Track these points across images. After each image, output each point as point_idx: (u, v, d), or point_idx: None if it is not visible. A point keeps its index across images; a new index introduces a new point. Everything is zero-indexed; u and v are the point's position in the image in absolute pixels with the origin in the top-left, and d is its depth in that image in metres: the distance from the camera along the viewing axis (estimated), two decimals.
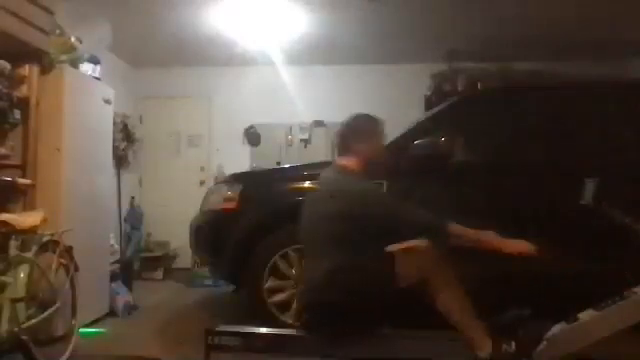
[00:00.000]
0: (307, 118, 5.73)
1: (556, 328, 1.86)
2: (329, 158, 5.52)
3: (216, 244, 3.23)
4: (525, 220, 3.02)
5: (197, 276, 4.90)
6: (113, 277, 3.72)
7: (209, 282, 4.82)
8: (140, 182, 5.90)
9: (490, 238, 2.04)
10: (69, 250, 2.70)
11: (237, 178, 3.45)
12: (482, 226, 2.07)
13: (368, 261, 2.00)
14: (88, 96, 3.38)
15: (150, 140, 5.86)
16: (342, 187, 2.10)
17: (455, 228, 2.01)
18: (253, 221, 3.12)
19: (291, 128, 5.80)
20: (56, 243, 2.60)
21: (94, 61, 3.51)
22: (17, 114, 2.83)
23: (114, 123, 4.01)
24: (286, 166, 4.16)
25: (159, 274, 5.31)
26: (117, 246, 4.24)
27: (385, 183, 2.93)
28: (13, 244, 2.27)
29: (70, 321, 2.75)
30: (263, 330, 2.18)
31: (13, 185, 2.76)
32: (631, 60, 5.07)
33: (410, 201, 2.03)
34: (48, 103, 2.99)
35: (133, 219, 5.54)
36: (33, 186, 2.88)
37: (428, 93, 5.28)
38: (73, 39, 3.28)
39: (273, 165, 5.20)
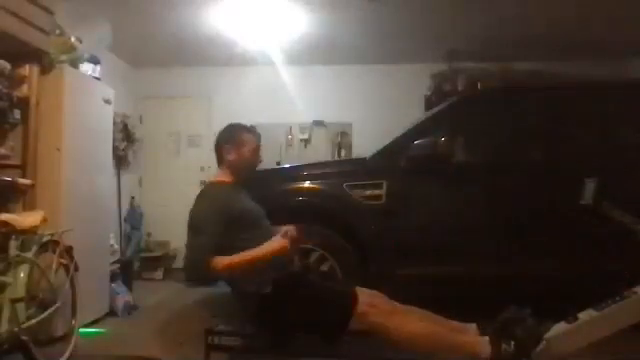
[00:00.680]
0: (307, 118, 5.73)
1: (556, 328, 1.86)
2: (329, 158, 5.55)
3: None
4: (525, 220, 3.03)
5: None
6: (113, 277, 3.72)
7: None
8: (140, 182, 5.89)
9: (250, 253, 1.98)
10: (69, 250, 2.70)
11: None
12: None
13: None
14: (88, 96, 3.38)
15: (150, 140, 5.86)
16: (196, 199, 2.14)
17: (219, 261, 1.94)
18: None
19: (291, 128, 5.80)
20: (56, 243, 2.60)
21: (94, 61, 3.51)
22: (17, 114, 2.83)
23: (114, 123, 4.01)
24: (286, 166, 4.17)
25: (159, 274, 5.31)
26: (117, 246, 4.24)
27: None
28: (13, 244, 2.27)
29: (70, 321, 2.75)
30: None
31: (13, 185, 2.76)
32: (631, 60, 5.06)
33: (203, 235, 1.97)
34: (48, 103, 2.99)
35: (133, 219, 5.54)
36: (33, 186, 2.88)
37: (428, 93, 5.28)
38: (73, 39, 3.29)
39: (273, 165, 5.20)
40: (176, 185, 5.80)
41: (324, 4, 4.13)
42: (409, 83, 5.48)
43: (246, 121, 6.15)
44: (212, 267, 1.93)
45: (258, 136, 2.33)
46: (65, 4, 3.38)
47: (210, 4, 4.08)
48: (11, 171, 2.80)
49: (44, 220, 2.55)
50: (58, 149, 3.01)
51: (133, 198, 5.67)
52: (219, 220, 2.02)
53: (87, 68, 3.44)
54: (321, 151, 5.69)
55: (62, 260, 2.64)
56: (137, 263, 5.20)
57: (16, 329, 2.12)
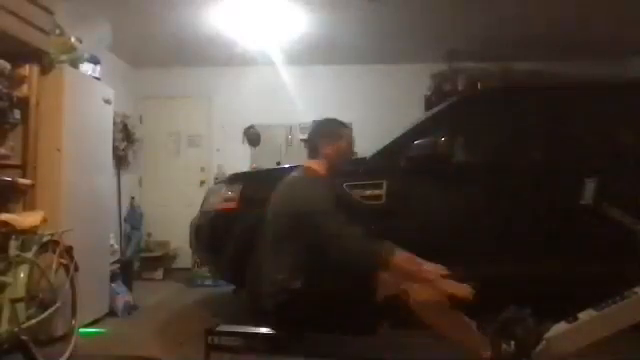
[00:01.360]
0: (307, 118, 5.72)
1: (556, 328, 1.86)
2: None
3: (216, 244, 3.23)
4: (525, 220, 3.02)
5: (197, 276, 4.91)
6: (113, 277, 3.72)
7: (209, 282, 4.82)
8: (140, 182, 5.90)
9: (432, 277, 1.90)
10: (69, 250, 2.70)
11: (237, 178, 3.44)
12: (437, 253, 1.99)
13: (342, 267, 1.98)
14: (88, 96, 3.38)
15: (150, 140, 5.86)
16: (296, 190, 2.12)
17: (398, 260, 1.91)
18: (253, 221, 3.11)
19: (291, 128, 5.80)
20: (56, 243, 2.60)
21: (94, 61, 3.51)
22: (17, 114, 2.83)
23: (114, 123, 4.01)
24: (286, 166, 4.16)
25: (159, 274, 5.31)
26: (117, 246, 4.24)
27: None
28: (13, 244, 2.27)
29: (70, 321, 2.74)
30: (263, 330, 2.18)
31: (13, 185, 2.76)
32: (631, 60, 5.07)
33: (354, 225, 1.97)
34: (48, 103, 2.99)
35: (133, 219, 5.54)
36: (33, 186, 2.88)
37: (428, 93, 5.28)
38: (73, 39, 3.29)
39: (273, 165, 5.20)
40: (176, 185, 5.81)
41: (324, 4, 4.13)
42: (409, 83, 5.49)
43: (246, 121, 6.23)
44: (386, 259, 1.90)
45: (351, 131, 2.36)
46: (65, 4, 3.38)
47: (210, 4, 4.08)
48: (11, 171, 2.80)
49: (44, 220, 2.55)
50: (58, 149, 3.01)
51: (133, 198, 5.68)
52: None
53: (87, 68, 3.44)
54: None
55: (62, 260, 2.64)
56: (137, 263, 5.20)
57: (16, 329, 2.12)
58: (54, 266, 2.54)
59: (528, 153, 3.29)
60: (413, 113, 4.54)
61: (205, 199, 3.53)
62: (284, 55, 5.20)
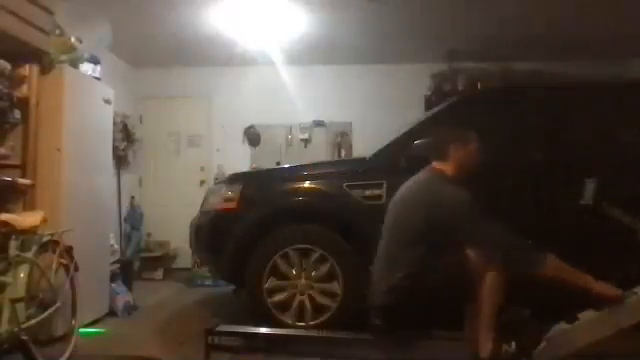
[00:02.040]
0: (307, 118, 5.74)
1: (556, 328, 1.86)
2: (329, 158, 5.55)
3: (216, 244, 3.23)
4: (524, 220, 3.02)
5: (197, 276, 4.91)
6: (113, 277, 3.72)
7: (209, 282, 4.82)
8: (140, 182, 5.90)
9: (584, 278, 1.96)
10: (69, 250, 2.70)
11: (237, 178, 3.44)
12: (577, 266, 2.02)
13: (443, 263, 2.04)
14: (88, 96, 3.38)
15: (150, 140, 5.86)
16: (433, 189, 2.16)
17: (553, 264, 1.97)
18: (253, 221, 3.12)
19: (291, 128, 5.80)
20: (56, 243, 2.60)
21: (94, 61, 3.51)
22: (17, 114, 2.83)
23: (114, 123, 4.01)
24: (286, 166, 4.16)
25: (159, 274, 5.31)
26: (117, 246, 4.24)
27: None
28: (13, 244, 2.26)
29: (70, 321, 2.74)
30: (263, 330, 2.18)
31: (13, 185, 2.76)
32: (631, 60, 5.07)
33: (497, 222, 2.00)
34: (48, 103, 2.98)
35: (133, 219, 5.54)
36: (33, 186, 2.88)
37: (428, 93, 5.28)
38: (73, 39, 3.28)
39: (273, 165, 5.20)
40: (176, 185, 5.81)
41: (324, 4, 4.13)
42: (409, 83, 5.49)
43: (246, 121, 6.23)
44: (543, 263, 1.95)
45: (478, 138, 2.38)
46: (65, 4, 3.38)
47: (210, 4, 4.08)
48: (11, 171, 2.80)
49: (44, 220, 2.55)
50: (58, 149, 3.01)
51: (133, 198, 5.68)
52: None
53: (87, 68, 3.44)
54: (321, 151, 5.69)
55: (62, 260, 2.63)
56: (137, 263, 5.20)
57: (16, 329, 2.12)
58: (54, 266, 2.54)
59: (528, 153, 3.29)
60: (413, 113, 4.54)
61: (205, 199, 3.53)
62: (284, 55, 5.20)
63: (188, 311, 3.97)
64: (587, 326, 1.84)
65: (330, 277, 3.02)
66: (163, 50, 5.24)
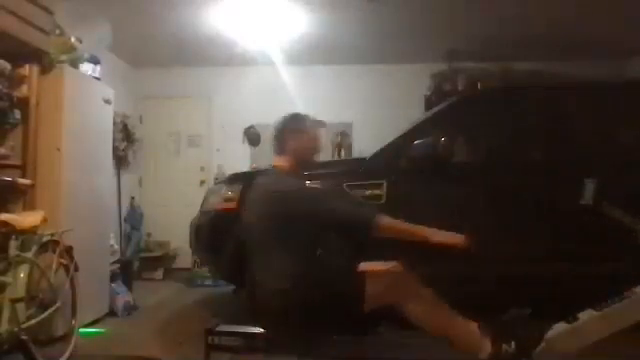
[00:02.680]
0: None
1: (556, 328, 1.86)
2: (329, 158, 5.54)
3: (216, 244, 3.22)
4: (524, 220, 3.02)
5: (197, 276, 4.91)
6: (113, 277, 3.72)
7: (209, 282, 4.82)
8: (140, 182, 5.90)
9: (422, 230, 2.04)
10: (69, 250, 2.70)
11: (237, 178, 3.44)
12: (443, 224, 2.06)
13: (335, 276, 2.02)
14: (88, 96, 3.38)
15: (150, 140, 5.86)
16: (279, 187, 2.11)
17: (385, 221, 2.01)
18: None
19: None
20: (56, 243, 2.60)
21: (94, 61, 3.51)
22: (17, 114, 2.83)
23: (114, 123, 4.01)
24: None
25: (159, 274, 5.32)
26: (117, 246, 4.24)
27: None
28: (13, 244, 2.27)
29: (70, 321, 2.75)
30: (263, 330, 2.18)
31: (13, 185, 2.76)
32: (631, 60, 5.07)
33: (344, 195, 2.01)
34: (48, 103, 2.99)
35: (133, 219, 5.54)
36: (33, 186, 2.88)
37: (428, 93, 5.28)
38: (73, 39, 3.29)
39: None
40: (176, 185, 5.81)
41: (324, 4, 4.13)
42: (409, 83, 5.49)
43: (246, 121, 6.22)
44: (377, 222, 1.97)
45: (320, 124, 2.36)
46: (65, 4, 3.38)
47: (210, 4, 4.08)
48: (11, 171, 2.80)
49: (44, 220, 2.55)
50: (58, 149, 3.01)
51: (133, 198, 5.68)
52: None
53: (87, 68, 3.44)
54: (321, 151, 5.68)
55: (62, 260, 2.64)
56: (137, 263, 5.20)
57: (16, 329, 2.12)
58: (54, 266, 2.54)
59: (528, 153, 3.29)
60: (413, 113, 4.54)
61: (205, 199, 3.53)
62: (284, 55, 5.20)
63: (188, 311, 3.97)
64: (587, 326, 1.84)
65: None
66: (163, 50, 5.24)
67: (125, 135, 5.30)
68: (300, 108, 5.79)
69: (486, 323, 2.01)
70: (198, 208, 3.60)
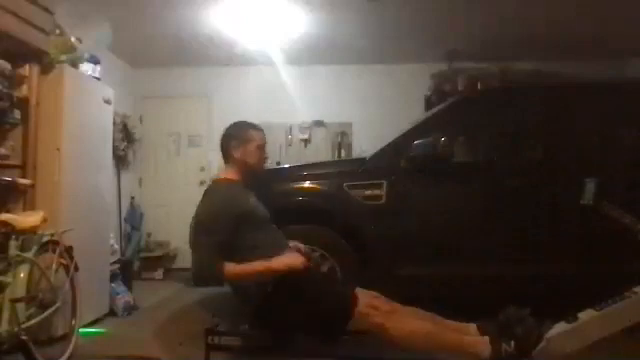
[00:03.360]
0: (307, 118, 5.73)
1: (556, 328, 1.86)
2: (329, 158, 5.54)
3: None
4: (524, 220, 3.03)
5: None
6: (113, 277, 3.72)
7: None
8: (140, 182, 5.89)
9: (262, 264, 2.01)
10: (69, 250, 2.70)
11: None
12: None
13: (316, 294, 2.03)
14: (88, 96, 3.38)
15: (150, 140, 5.86)
16: (200, 206, 2.16)
17: (231, 269, 1.99)
18: None
19: (291, 128, 5.80)
20: (56, 243, 2.60)
21: (94, 61, 3.51)
22: (17, 114, 2.83)
23: (114, 123, 4.00)
24: (286, 166, 4.17)
25: (159, 274, 5.31)
26: (117, 246, 4.24)
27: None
28: (13, 244, 2.27)
29: (70, 321, 2.75)
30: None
31: (13, 185, 2.76)
32: (631, 60, 5.07)
33: (211, 236, 1.98)
34: (48, 103, 2.99)
35: (133, 219, 5.54)
36: (33, 186, 2.88)
37: (428, 93, 5.28)
38: (73, 39, 3.28)
39: (273, 165, 5.20)
40: (176, 185, 5.81)
41: (324, 4, 4.13)
42: (409, 83, 5.49)
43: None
44: (222, 273, 1.96)
45: (263, 133, 2.31)
46: (65, 4, 3.37)
47: (210, 4, 4.08)
48: (11, 171, 2.80)
49: (44, 220, 2.55)
50: (58, 149, 3.01)
51: (133, 198, 5.68)
52: (227, 219, 2.03)
53: (87, 68, 3.44)
54: (321, 151, 5.69)
55: (62, 260, 2.64)
56: (137, 263, 5.20)
57: (16, 329, 2.12)
58: (54, 266, 2.54)
59: (528, 153, 3.29)
60: (413, 113, 4.54)
61: None
62: (284, 55, 5.20)
63: (188, 311, 3.96)
64: (587, 326, 1.84)
65: (330, 277, 3.01)
66: (163, 50, 5.24)
67: (125, 135, 5.30)
68: (300, 108, 5.85)
69: (486, 323, 2.01)
70: None
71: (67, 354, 2.54)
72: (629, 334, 1.89)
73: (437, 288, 3.02)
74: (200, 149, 5.93)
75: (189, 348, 2.68)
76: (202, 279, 2.04)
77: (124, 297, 3.69)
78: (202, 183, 5.73)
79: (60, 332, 2.75)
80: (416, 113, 4.60)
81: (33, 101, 2.92)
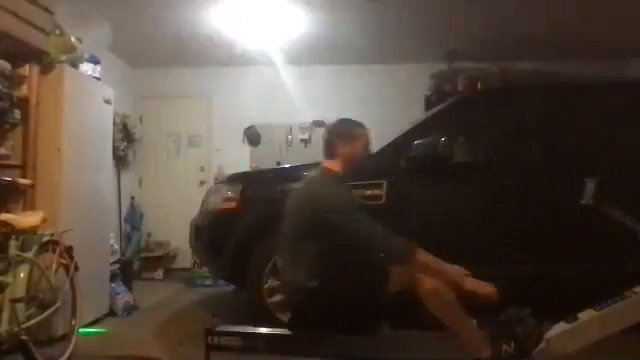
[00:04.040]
0: (307, 118, 5.73)
1: (556, 328, 1.86)
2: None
3: (216, 244, 3.23)
4: (525, 220, 3.02)
5: (197, 276, 4.91)
6: (113, 277, 3.72)
7: (209, 282, 4.82)
8: (140, 182, 5.90)
9: (457, 274, 2.01)
10: (69, 250, 2.70)
11: (237, 178, 3.45)
12: (454, 258, 2.06)
13: (359, 265, 2.04)
14: (88, 96, 3.38)
15: (150, 140, 5.87)
16: (313, 189, 2.17)
17: (422, 258, 1.99)
18: (253, 221, 3.12)
19: (291, 128, 5.80)
20: (56, 243, 2.60)
21: (94, 61, 3.51)
22: (17, 114, 2.83)
23: (114, 123, 4.01)
24: (286, 166, 4.16)
25: (159, 274, 5.31)
26: (117, 246, 4.24)
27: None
28: (13, 244, 2.27)
29: (70, 321, 2.75)
30: (263, 330, 2.18)
31: (13, 185, 2.76)
32: (631, 60, 5.07)
33: (374, 223, 2.00)
34: (48, 103, 2.99)
35: (133, 219, 5.55)
36: (33, 186, 2.88)
37: (428, 93, 5.28)
38: (73, 39, 3.28)
39: (273, 165, 5.20)
40: (176, 185, 5.81)
41: (324, 4, 4.13)
42: (409, 83, 5.49)
43: (246, 121, 6.22)
44: (414, 253, 1.97)
45: (368, 131, 2.35)
46: (65, 4, 3.37)
47: (210, 4, 4.08)
48: (11, 171, 2.80)
49: (44, 220, 2.55)
50: (58, 149, 3.01)
51: (133, 198, 5.68)
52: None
53: (87, 68, 3.44)
54: (321, 151, 5.66)
55: (62, 260, 2.64)
56: (137, 263, 5.20)
57: (16, 329, 2.12)
58: (54, 266, 2.54)
59: (528, 153, 3.29)
60: (413, 113, 4.54)
61: (205, 199, 3.53)
62: (284, 55, 5.20)
63: (188, 311, 3.96)
64: (587, 326, 1.84)
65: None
66: (163, 50, 5.24)
67: (125, 135, 5.30)
68: (300, 108, 5.85)
69: (486, 323, 2.01)
70: (198, 208, 3.60)
71: (67, 354, 2.54)
72: (629, 334, 1.89)
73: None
74: (200, 149, 5.93)
75: (189, 348, 2.68)
76: (404, 257, 1.98)
77: (124, 297, 3.69)
78: (202, 183, 5.74)
79: (60, 332, 2.75)
80: (416, 113, 4.59)
81: (33, 101, 2.92)
